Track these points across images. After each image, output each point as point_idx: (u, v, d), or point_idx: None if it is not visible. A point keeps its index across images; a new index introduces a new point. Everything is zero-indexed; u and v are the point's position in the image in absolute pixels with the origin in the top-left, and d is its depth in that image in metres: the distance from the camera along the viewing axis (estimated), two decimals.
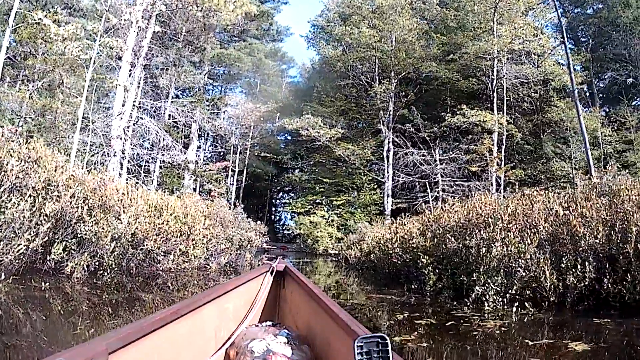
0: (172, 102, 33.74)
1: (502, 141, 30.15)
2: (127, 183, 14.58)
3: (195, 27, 33.77)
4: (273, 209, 52.48)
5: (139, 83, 25.09)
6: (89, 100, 21.50)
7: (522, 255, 8.15)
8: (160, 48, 30.66)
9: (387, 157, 33.08)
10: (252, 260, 15.87)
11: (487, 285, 8.17)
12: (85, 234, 9.50)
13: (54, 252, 9.03)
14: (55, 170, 9.84)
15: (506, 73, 30.92)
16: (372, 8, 34.74)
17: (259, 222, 18.11)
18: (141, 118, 23.53)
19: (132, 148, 24.43)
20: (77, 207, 9.70)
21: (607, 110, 34.47)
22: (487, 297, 8.12)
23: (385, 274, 12.66)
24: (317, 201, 35.73)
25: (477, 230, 9.06)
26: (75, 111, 18.77)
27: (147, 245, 11.35)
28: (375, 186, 34.65)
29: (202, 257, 13.01)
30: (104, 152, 19.54)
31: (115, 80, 20.59)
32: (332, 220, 32.64)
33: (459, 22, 33.86)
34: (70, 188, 9.76)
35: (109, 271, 10.03)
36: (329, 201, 34.78)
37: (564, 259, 7.84)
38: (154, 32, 25.00)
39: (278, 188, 51.67)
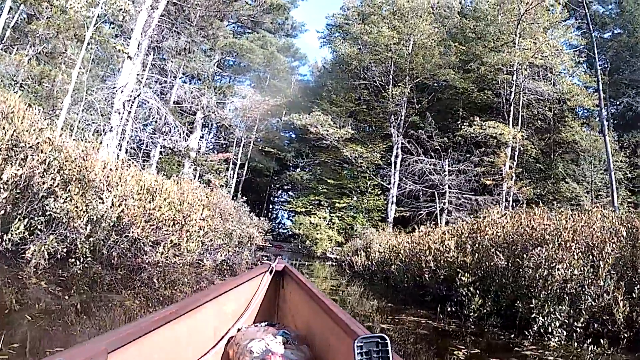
0: (179, 86, 32.07)
1: (514, 157, 28.73)
2: (118, 159, 12.51)
3: (209, 12, 32.15)
4: (271, 206, 50.65)
5: (145, 56, 23.10)
6: (91, 74, 19.64)
7: (591, 280, 6.53)
8: (172, 31, 29.01)
9: (395, 163, 31.43)
10: (250, 259, 13.90)
11: (550, 315, 6.42)
12: (56, 212, 7.45)
13: (13, 231, 6.99)
14: (29, 131, 7.76)
15: (524, 88, 29.56)
16: (393, 9, 33.22)
17: (262, 218, 16.10)
18: (145, 96, 21.51)
19: (133, 129, 22.66)
20: (50, 178, 7.65)
21: (620, 135, 32.69)
22: (551, 329, 6.37)
23: (404, 288, 10.65)
24: (318, 202, 34.14)
25: (531, 248, 7.34)
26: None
27: (133, 232, 9.40)
28: (380, 192, 33.12)
29: (196, 252, 11.00)
30: (100, 126, 17.49)
31: (118, 45, 18.58)
32: (333, 223, 31.05)
33: (479, 33, 32.45)
34: (43, 153, 7.67)
35: (81, 260, 8.00)
36: (331, 203, 33.12)
37: (635, 287, 6.34)
38: (167, 13, 23.46)
39: (278, 185, 50.21)
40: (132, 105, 21.54)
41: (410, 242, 11.98)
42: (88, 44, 16.18)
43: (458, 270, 8.15)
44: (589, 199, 27.04)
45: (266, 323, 3.25)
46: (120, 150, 20.01)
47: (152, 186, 10.72)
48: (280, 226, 49.21)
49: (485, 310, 7.46)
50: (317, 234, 29.34)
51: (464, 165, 29.81)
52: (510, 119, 28.78)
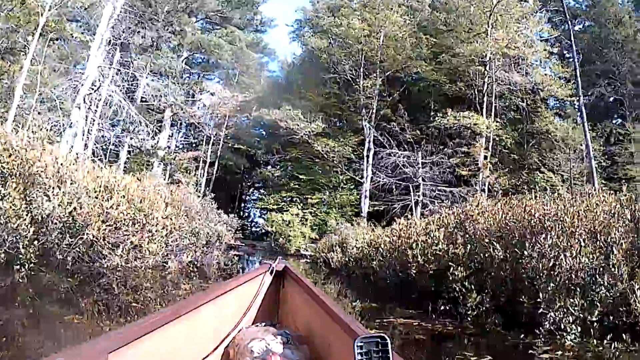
0: (146, 84, 30.94)
1: (488, 148, 28.20)
2: (71, 153, 11.40)
3: (176, 8, 31.16)
4: (243, 205, 49.32)
5: (110, 52, 21.92)
6: (55, 72, 18.53)
7: (602, 268, 5.75)
8: (138, 26, 27.95)
9: (367, 156, 30.50)
10: (221, 259, 12.94)
11: (562, 309, 5.61)
12: None
13: None
14: None
15: (497, 79, 29.14)
16: (364, 1, 32.51)
17: (231, 215, 15.11)
18: (109, 90, 20.34)
19: (99, 129, 21.60)
20: None
21: (593, 125, 32.51)
22: (565, 325, 5.57)
23: (387, 285, 9.78)
24: (290, 198, 33.35)
25: (530, 237, 6.58)
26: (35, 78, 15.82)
27: (89, 233, 8.41)
28: (352, 186, 32.40)
29: (160, 253, 10.00)
30: (60, 122, 16.33)
31: (76, 32, 17.44)
32: (306, 219, 30.04)
33: (450, 25, 31.81)
34: None
35: (26, 266, 7.01)
36: (303, 199, 32.20)
37: None
38: (133, 8, 22.51)
39: (249, 184, 48.93)
40: (97, 104, 20.73)
41: (390, 235, 11.09)
42: (49, 39, 15.17)
43: (450, 263, 7.32)
44: (564, 188, 26.63)
45: (266, 323, 3.20)
46: (86, 150, 19.00)
47: (111, 183, 9.73)
48: (252, 224, 47.73)
49: (483, 308, 6.64)
50: (290, 231, 28.37)
51: (437, 157, 29.07)
52: (484, 110, 28.12)
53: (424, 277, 8.11)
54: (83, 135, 19.51)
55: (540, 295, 5.79)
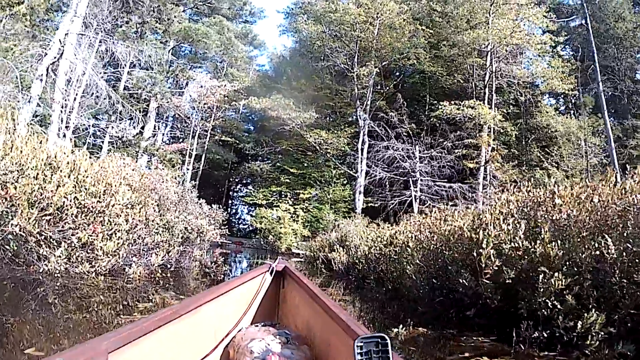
0: (129, 71, 28.45)
1: (494, 140, 26.04)
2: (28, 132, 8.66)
3: None
4: (230, 201, 46.79)
5: (86, 29, 19.43)
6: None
7: None
8: (122, 10, 25.56)
9: (362, 149, 27.94)
10: (205, 259, 10.22)
11: None
12: None
13: None
14: None
15: (497, 70, 27.46)
16: None
17: (215, 207, 12.34)
18: (83, 68, 17.70)
19: (77, 117, 19.25)
20: None
21: (594, 122, 30.83)
22: None
23: (423, 297, 7.00)
24: (281, 193, 30.64)
25: None
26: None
27: (19, 224, 5.79)
28: (346, 181, 30.14)
29: (121, 253, 7.26)
30: (18, 98, 13.50)
31: None
32: (298, 216, 27.55)
33: (448, 15, 29.57)
34: None
35: None
36: (294, 194, 29.79)
37: None
38: None
39: (237, 180, 46.24)
40: (77, 91, 18.87)
41: (418, 230, 8.31)
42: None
43: (539, 267, 4.72)
44: (568, 184, 24.67)
45: (266, 323, 3.08)
46: (64, 138, 16.53)
47: (55, 159, 7.05)
48: (240, 222, 46.06)
49: (606, 332, 4.09)
50: (281, 227, 25.80)
51: (436, 150, 26.68)
52: (485, 103, 25.92)
53: (489, 288, 5.43)
54: (60, 123, 17.30)
55: None
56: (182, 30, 32.67)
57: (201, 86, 33.05)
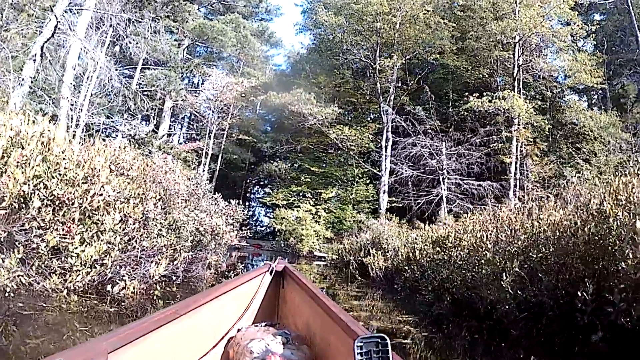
0: (142, 69, 26.90)
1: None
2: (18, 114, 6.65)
3: None
4: (247, 203, 44.79)
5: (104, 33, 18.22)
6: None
7: None
8: (135, 7, 24.20)
9: (386, 146, 25.91)
10: (221, 265, 8.20)
11: None
12: None
13: None
14: None
15: (525, 62, 25.62)
16: None
17: (234, 202, 10.30)
18: (95, 58, 15.98)
19: (88, 114, 17.99)
20: None
21: (620, 116, 28.63)
22: None
23: (505, 313, 4.89)
24: (301, 193, 28.53)
25: None
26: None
27: None
28: (369, 180, 28.16)
29: (109, 263, 5.22)
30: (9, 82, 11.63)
31: None
32: (320, 217, 25.61)
33: (469, 8, 28.09)
34: None
35: None
36: (315, 194, 27.75)
37: None
38: None
39: (254, 181, 44.33)
40: (88, 88, 17.41)
41: (496, 228, 6.13)
42: None
43: None
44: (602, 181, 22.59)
45: (266, 323, 2.99)
46: (74, 138, 14.82)
47: (25, 135, 5.06)
48: (257, 223, 43.93)
49: None
50: (302, 229, 23.71)
51: (464, 147, 24.69)
52: (515, 94, 23.95)
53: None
54: (70, 121, 15.85)
55: None
56: (197, 27, 31.11)
57: (215, 82, 31.44)
